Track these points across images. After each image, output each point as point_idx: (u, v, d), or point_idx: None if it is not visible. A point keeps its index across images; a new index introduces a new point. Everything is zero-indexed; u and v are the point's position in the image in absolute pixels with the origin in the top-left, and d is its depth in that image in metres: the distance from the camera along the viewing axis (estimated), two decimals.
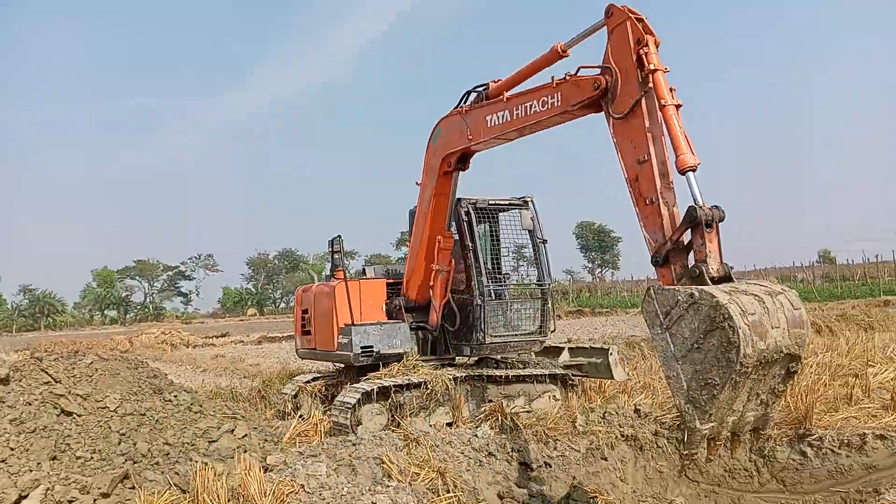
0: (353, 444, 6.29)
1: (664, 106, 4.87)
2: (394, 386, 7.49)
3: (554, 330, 9.10)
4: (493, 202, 8.66)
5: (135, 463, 5.74)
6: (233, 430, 6.70)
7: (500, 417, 7.49)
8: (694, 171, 4.69)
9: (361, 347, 7.97)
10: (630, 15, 5.16)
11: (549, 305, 8.80)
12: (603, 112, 5.46)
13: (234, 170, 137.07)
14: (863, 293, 31.12)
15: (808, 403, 7.11)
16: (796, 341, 4.27)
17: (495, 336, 8.29)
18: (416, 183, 8.23)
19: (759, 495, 6.93)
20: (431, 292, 8.30)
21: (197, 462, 5.76)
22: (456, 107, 7.54)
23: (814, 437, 6.81)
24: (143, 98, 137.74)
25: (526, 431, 7.23)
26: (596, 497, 6.45)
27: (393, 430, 6.99)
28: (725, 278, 4.56)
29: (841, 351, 11.70)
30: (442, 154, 7.74)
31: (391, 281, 8.99)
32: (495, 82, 7.11)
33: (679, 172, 4.77)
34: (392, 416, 7.54)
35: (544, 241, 8.82)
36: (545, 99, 6.16)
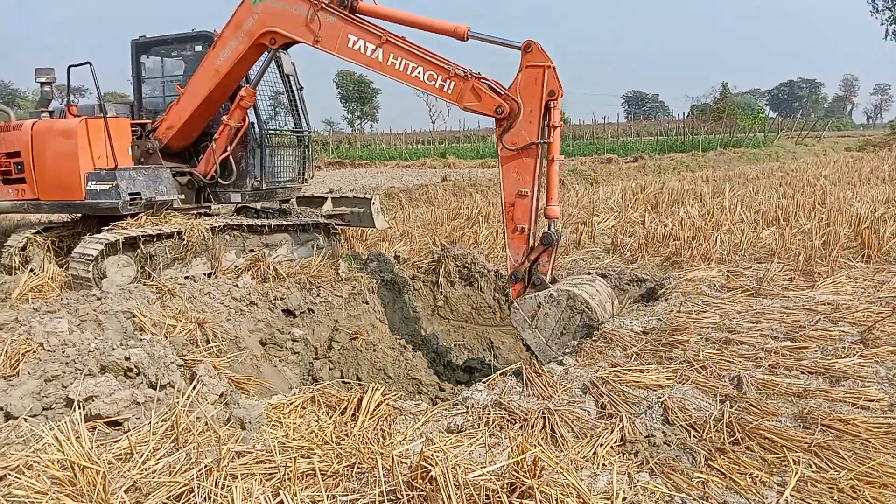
0: (98, 299, 5.79)
1: (553, 160, 5.68)
2: (142, 236, 6.92)
3: (312, 176, 9.15)
4: None
5: None
6: None
7: (261, 267, 7.39)
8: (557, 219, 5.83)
9: (130, 194, 7.17)
10: (551, 64, 5.56)
11: (308, 153, 8.83)
12: (494, 123, 5.88)
13: None
14: (590, 151, 34.70)
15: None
16: (615, 309, 5.95)
17: (267, 182, 8.17)
18: (214, 31, 7.31)
19: (500, 328, 7.77)
20: (214, 144, 7.73)
21: None
22: None
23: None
24: None
25: (289, 280, 7.23)
26: (357, 337, 6.75)
27: (144, 283, 6.55)
28: (553, 281, 5.87)
29: (571, 202, 13.16)
30: (267, 27, 6.70)
31: (136, 122, 8.07)
32: None
33: (545, 217, 5.78)
34: (142, 268, 7.02)
35: (301, 88, 8.63)
36: (433, 75, 5.94)
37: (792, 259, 7.04)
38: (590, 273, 7.21)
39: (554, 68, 5.58)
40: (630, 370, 4.16)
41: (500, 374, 4.32)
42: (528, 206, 5.73)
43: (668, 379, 4.01)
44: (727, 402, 3.64)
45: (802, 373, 4.06)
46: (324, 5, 6.31)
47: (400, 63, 6.05)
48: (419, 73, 6.01)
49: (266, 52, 7.14)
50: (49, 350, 4.29)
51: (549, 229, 5.73)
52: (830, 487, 2.82)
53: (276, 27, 6.69)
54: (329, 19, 6.32)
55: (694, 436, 3.32)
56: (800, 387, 3.83)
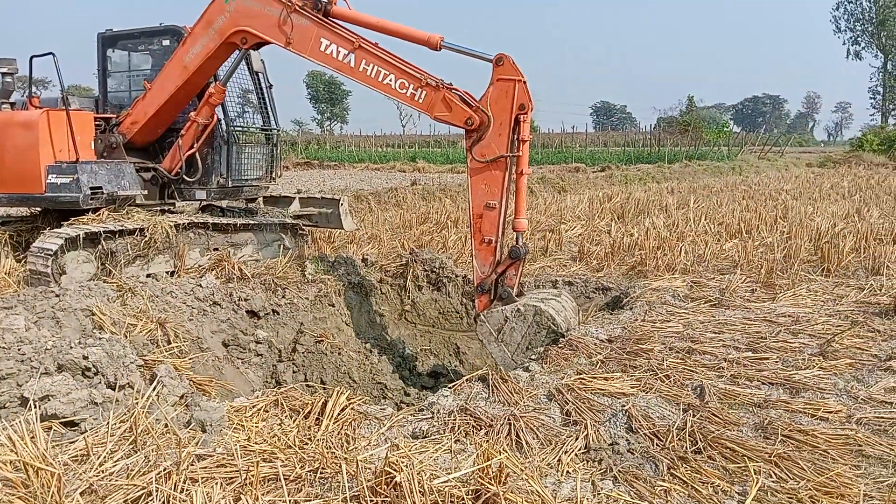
0: (57, 296, 5.63)
1: (522, 174, 5.63)
2: (104, 231, 6.76)
3: (280, 175, 9.05)
4: None
5: None
6: None
7: (226, 266, 7.28)
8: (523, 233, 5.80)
9: (91, 188, 7.00)
10: (522, 78, 5.53)
11: (277, 151, 8.74)
12: (464, 134, 5.84)
13: None
14: (558, 159, 34.96)
15: None
16: (578, 324, 5.94)
17: (234, 180, 8.03)
18: (184, 27, 7.20)
19: (466, 333, 7.76)
20: (180, 141, 7.59)
21: None
22: None
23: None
24: None
25: (254, 280, 7.13)
26: (322, 340, 6.68)
27: (104, 280, 6.40)
28: (519, 294, 5.86)
29: (539, 210, 13.24)
30: (239, 26, 6.57)
31: (99, 115, 7.90)
32: None
33: (514, 230, 5.74)
34: (103, 264, 6.85)
35: (270, 86, 8.54)
36: (405, 83, 5.90)
37: (754, 271, 7.17)
38: (556, 281, 7.26)
39: (525, 82, 5.58)
40: (595, 378, 4.19)
41: (466, 380, 4.31)
42: (496, 219, 5.72)
43: (632, 387, 4.04)
44: (690, 411, 3.69)
45: (763, 383, 4.13)
46: (297, 7, 6.22)
47: (372, 69, 6.00)
48: (391, 80, 5.97)
49: (237, 51, 7.04)
50: (4, 347, 4.15)
51: (517, 243, 5.74)
52: (790, 497, 2.87)
53: (247, 27, 6.59)
54: (302, 22, 6.23)
55: (657, 444, 3.35)
56: (761, 397, 3.90)
